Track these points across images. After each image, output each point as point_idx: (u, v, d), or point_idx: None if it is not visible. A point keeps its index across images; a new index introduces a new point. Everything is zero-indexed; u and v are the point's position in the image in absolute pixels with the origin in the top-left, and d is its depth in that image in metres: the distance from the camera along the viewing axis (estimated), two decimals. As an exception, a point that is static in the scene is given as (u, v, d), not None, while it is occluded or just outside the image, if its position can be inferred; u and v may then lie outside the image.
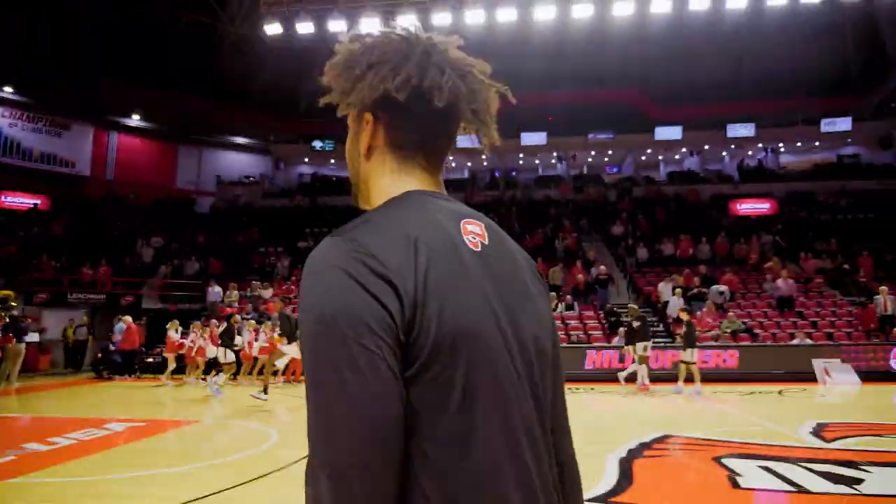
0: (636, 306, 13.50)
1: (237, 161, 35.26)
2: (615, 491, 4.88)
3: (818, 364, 12.90)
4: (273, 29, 22.75)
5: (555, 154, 33.97)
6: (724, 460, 5.99)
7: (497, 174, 34.33)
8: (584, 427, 8.58)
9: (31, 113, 28.88)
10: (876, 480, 5.20)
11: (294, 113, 34.82)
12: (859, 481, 5.15)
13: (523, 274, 1.05)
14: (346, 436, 0.76)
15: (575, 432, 1.05)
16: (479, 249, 0.98)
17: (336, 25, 21.43)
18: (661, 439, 7.16)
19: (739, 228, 23.00)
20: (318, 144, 33.76)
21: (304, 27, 22.13)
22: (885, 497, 4.80)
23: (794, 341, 13.74)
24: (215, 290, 18.52)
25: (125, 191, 31.46)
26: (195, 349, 13.62)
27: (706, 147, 32.45)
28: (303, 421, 0.80)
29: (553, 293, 17.56)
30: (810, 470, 5.50)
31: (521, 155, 34.29)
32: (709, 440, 7.12)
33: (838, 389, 11.96)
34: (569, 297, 17.33)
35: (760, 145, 31.82)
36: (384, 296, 0.81)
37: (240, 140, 35.44)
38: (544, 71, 32.75)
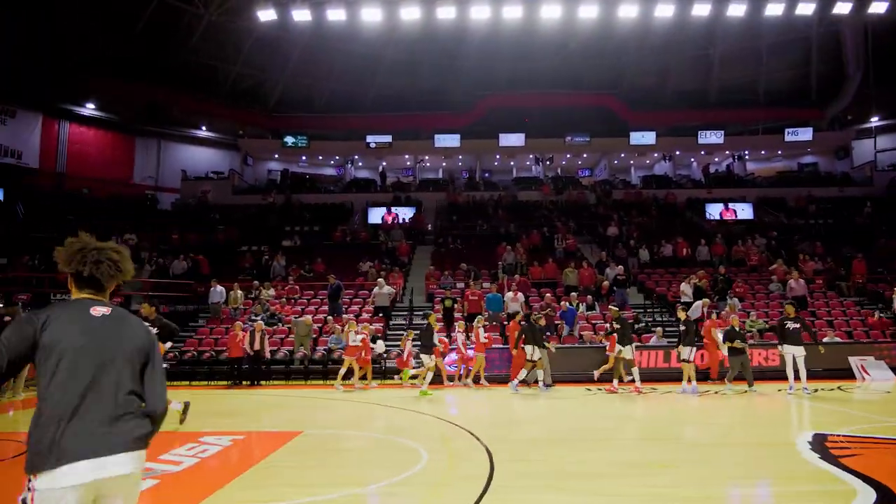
0: (616, 308, 13.20)
1: (200, 155, 33.29)
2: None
3: (854, 361, 13.31)
4: (266, 15, 21.54)
5: (531, 156, 34.09)
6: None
7: (486, 175, 34.15)
8: (745, 427, 8.33)
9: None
10: None
11: (262, 106, 33.30)
12: None
13: (121, 323, 2.33)
14: None
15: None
16: (99, 316, 2.27)
17: (335, 14, 20.48)
18: (837, 439, 6.81)
19: (728, 231, 23.69)
20: (289, 140, 32.43)
21: (301, 14, 21.04)
22: None
23: (825, 339, 14.13)
24: (218, 290, 17.16)
25: (77, 185, 29.02)
26: (405, 354, 13.30)
27: (677, 153, 33.45)
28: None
29: (574, 293, 17.40)
30: None
31: (497, 156, 34.21)
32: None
33: (880, 386, 12.32)
34: (589, 297, 17.21)
35: (728, 152, 33.09)
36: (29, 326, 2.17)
37: (204, 134, 33.51)
38: (521, 72, 32.89)
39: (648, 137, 32.17)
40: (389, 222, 27.63)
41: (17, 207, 25.57)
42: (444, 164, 35.44)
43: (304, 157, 34.15)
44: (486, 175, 35.02)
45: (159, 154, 32.69)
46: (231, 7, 26.18)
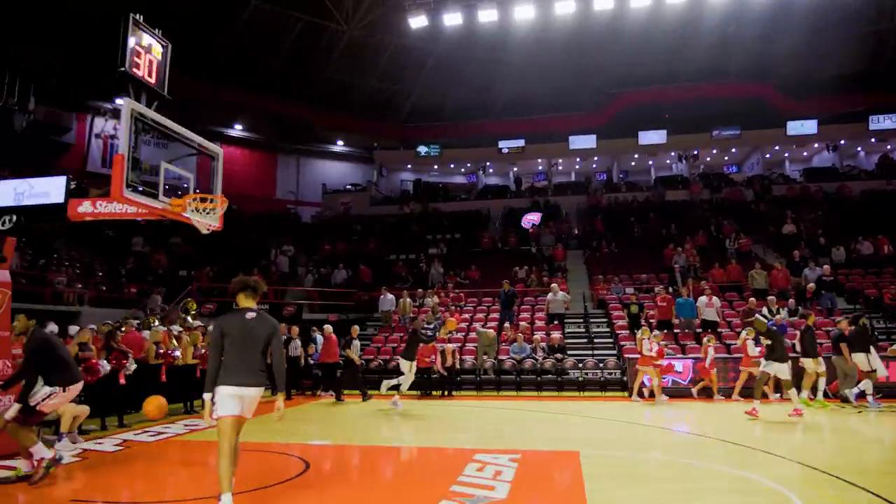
0: (762, 318, 11.11)
1: (337, 169, 34.18)
2: None
3: None
4: (418, 22, 21.53)
5: (672, 153, 32.12)
6: None
7: (622, 176, 32.64)
8: None
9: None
10: None
11: (395, 117, 33.67)
12: None
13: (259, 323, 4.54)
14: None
15: None
16: (250, 318, 4.51)
17: (486, 15, 20.05)
18: None
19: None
20: (422, 149, 32.52)
21: (452, 18, 20.83)
22: None
23: None
24: (388, 298, 17.05)
25: (230, 202, 30.46)
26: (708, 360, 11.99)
27: (842, 142, 30.24)
28: None
29: (773, 297, 15.59)
30: None
31: (636, 155, 32.53)
32: None
33: None
34: (790, 301, 15.41)
35: (906, 138, 29.45)
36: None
37: (339, 148, 34.38)
38: (656, 65, 31.13)
39: (809, 126, 29.30)
40: (531, 228, 26.77)
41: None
42: (576, 166, 34.20)
43: (435, 166, 34.15)
44: (622, 176, 33.40)
45: (298, 170, 33.88)
46: (372, 21, 26.60)
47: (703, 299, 14.89)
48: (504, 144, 31.95)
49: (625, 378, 13.07)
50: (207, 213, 6.48)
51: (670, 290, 16.87)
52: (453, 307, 17.84)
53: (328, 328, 13.52)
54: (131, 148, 5.85)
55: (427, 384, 13.27)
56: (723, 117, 30.19)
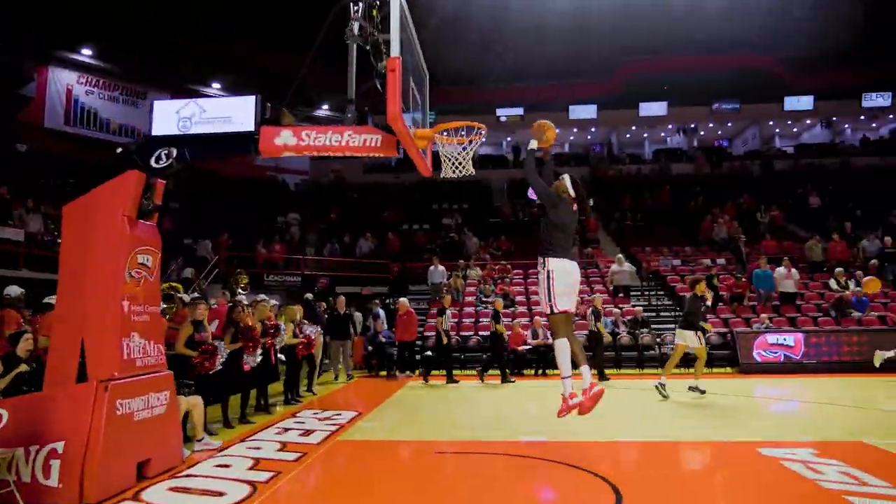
0: None
1: (323, 134, 31.80)
2: None
3: None
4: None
5: (669, 126, 31.80)
6: None
7: (619, 149, 31.96)
8: None
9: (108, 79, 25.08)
10: None
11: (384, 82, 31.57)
12: None
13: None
14: None
15: None
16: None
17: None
18: None
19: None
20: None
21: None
22: None
23: None
24: (439, 270, 15.58)
25: (206, 166, 27.80)
26: None
27: (834, 119, 30.77)
28: None
29: (840, 268, 15.23)
30: None
31: (634, 127, 32.00)
32: None
33: None
34: (859, 272, 15.10)
35: (891, 116, 30.24)
36: None
37: (324, 113, 31.98)
38: (661, 33, 30.44)
39: (805, 102, 29.54)
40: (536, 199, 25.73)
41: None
42: (571, 137, 33.36)
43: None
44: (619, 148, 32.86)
45: (280, 134, 31.30)
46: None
47: (780, 271, 14.33)
48: (502, 112, 30.65)
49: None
50: (464, 152, 5.01)
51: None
52: (499, 280, 16.61)
53: (404, 301, 12.01)
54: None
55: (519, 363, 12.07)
56: (724, 90, 29.98)
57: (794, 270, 14.34)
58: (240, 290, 12.19)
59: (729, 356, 12.34)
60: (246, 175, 28.86)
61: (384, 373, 12.12)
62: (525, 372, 12.15)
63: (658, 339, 12.91)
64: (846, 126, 31.73)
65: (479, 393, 10.24)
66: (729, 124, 32.07)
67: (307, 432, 6.69)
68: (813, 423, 7.34)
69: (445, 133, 5.14)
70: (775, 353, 11.63)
